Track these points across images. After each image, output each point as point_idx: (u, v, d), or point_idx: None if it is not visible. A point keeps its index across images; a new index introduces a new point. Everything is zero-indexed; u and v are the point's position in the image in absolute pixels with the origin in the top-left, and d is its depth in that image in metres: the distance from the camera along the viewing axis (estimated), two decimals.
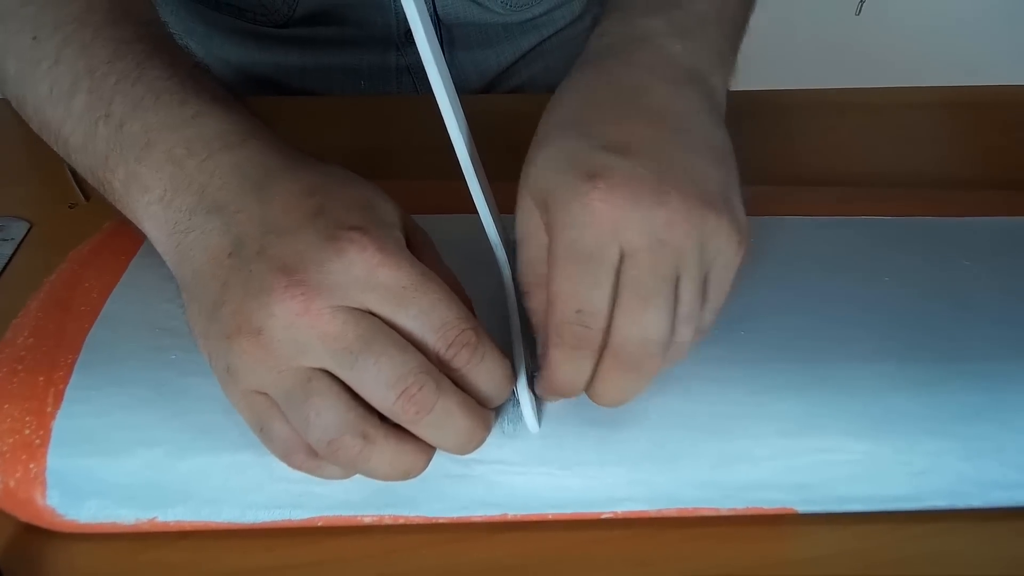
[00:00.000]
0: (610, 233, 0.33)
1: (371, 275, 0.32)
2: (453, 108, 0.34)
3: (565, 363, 0.34)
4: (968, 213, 0.49)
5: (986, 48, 1.66)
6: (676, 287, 0.34)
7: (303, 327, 0.31)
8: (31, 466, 0.35)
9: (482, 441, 0.34)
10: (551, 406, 0.37)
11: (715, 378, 0.39)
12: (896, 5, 1.61)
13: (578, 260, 0.33)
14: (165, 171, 0.36)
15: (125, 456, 0.35)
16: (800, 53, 1.49)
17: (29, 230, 0.50)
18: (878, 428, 0.38)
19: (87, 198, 0.51)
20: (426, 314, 0.33)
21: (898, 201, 0.49)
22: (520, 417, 0.37)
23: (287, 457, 0.33)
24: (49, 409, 0.36)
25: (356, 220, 0.33)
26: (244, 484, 0.36)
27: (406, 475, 0.33)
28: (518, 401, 0.37)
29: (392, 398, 0.32)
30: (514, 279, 0.38)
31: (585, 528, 0.37)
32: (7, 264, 0.48)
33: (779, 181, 0.54)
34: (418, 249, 0.35)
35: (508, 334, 0.38)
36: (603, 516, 0.37)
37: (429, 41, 0.32)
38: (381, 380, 0.31)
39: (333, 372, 0.32)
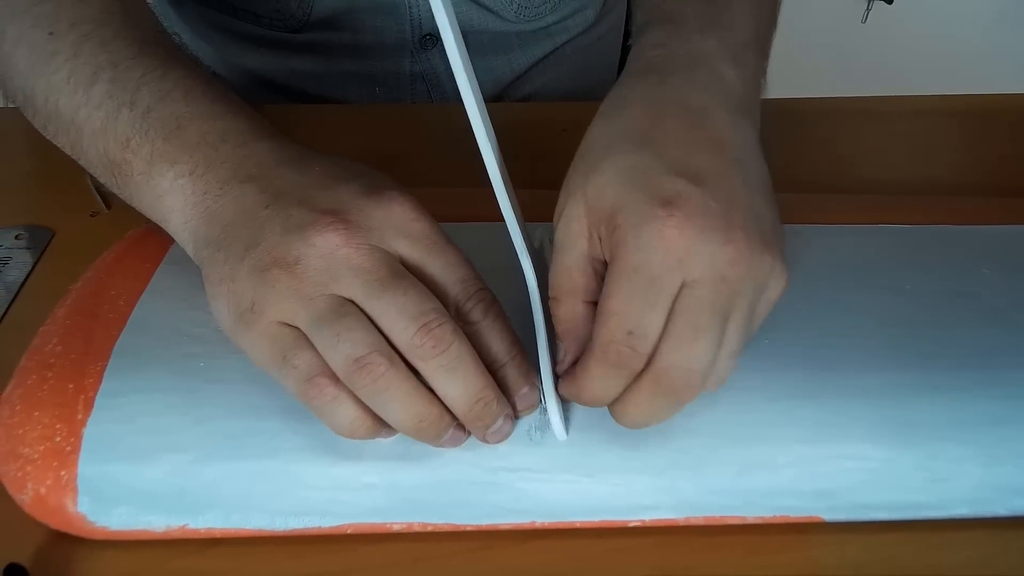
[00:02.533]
0: (677, 262, 0.33)
1: (407, 225, 0.36)
2: (480, 113, 0.34)
3: (602, 379, 0.34)
4: (985, 221, 0.49)
5: (992, 54, 1.67)
6: (726, 323, 0.34)
7: (339, 258, 0.34)
8: (62, 473, 0.35)
9: (490, 405, 0.35)
10: (576, 415, 0.38)
11: (736, 386, 0.39)
12: (902, 13, 1.62)
13: (640, 283, 0.33)
14: (198, 152, 0.38)
15: (154, 463, 0.36)
16: (806, 60, 1.50)
17: (52, 238, 0.51)
18: (898, 435, 0.38)
19: (108, 207, 0.52)
20: (452, 267, 0.36)
21: (915, 209, 0.50)
22: (547, 425, 0.37)
23: (308, 384, 0.34)
24: (79, 416, 0.36)
25: (391, 185, 0.37)
26: (272, 491, 0.36)
27: (418, 421, 0.34)
28: (545, 409, 0.37)
29: (413, 330, 0.34)
30: (541, 282, 0.38)
31: (612, 536, 0.37)
32: (30, 272, 0.48)
33: (795, 189, 0.55)
34: None
35: (533, 341, 0.38)
36: (630, 524, 0.37)
37: (457, 45, 0.32)
38: (406, 311, 0.34)
39: (360, 303, 0.34)
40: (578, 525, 0.37)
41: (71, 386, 0.37)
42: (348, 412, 0.34)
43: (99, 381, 0.37)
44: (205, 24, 0.70)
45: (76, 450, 0.36)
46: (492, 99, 0.73)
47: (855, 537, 0.38)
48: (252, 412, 0.37)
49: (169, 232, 0.39)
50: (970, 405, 0.39)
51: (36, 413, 0.36)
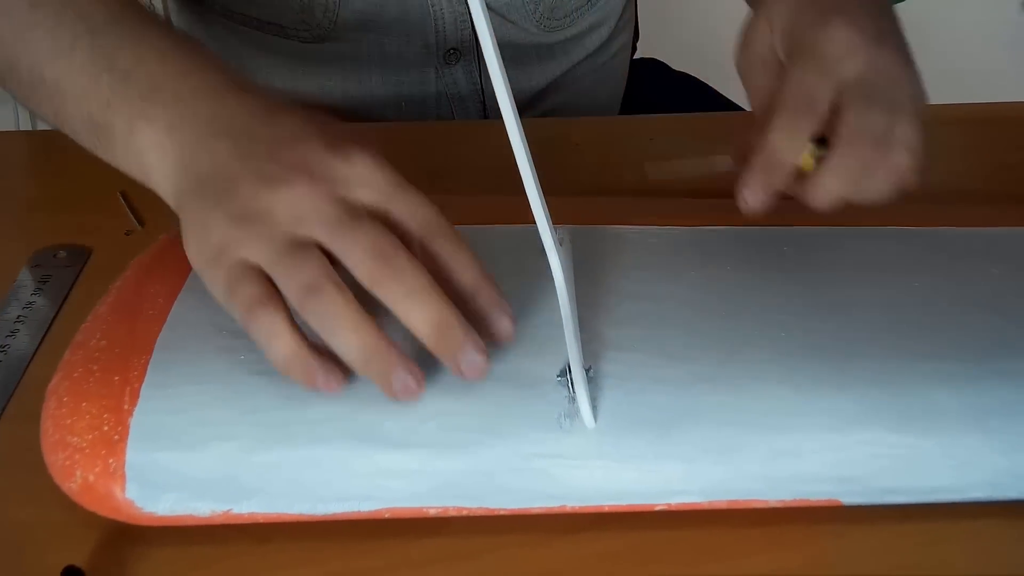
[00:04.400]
0: (845, 52, 0.43)
1: (370, 175, 0.38)
2: (513, 111, 0.36)
3: (785, 128, 0.42)
4: (988, 224, 0.51)
5: (990, 62, 1.70)
6: (896, 114, 0.42)
7: (306, 205, 0.37)
8: (110, 461, 0.36)
9: (453, 330, 0.36)
10: (605, 403, 0.39)
11: (763, 377, 0.40)
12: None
13: (815, 60, 0.43)
14: (173, 108, 0.40)
15: (200, 451, 0.37)
16: None
17: (89, 256, 0.52)
18: (920, 423, 0.39)
19: (142, 224, 0.54)
20: (414, 207, 0.39)
21: (921, 215, 0.51)
22: (577, 412, 0.38)
23: (246, 311, 0.36)
24: (126, 406, 0.37)
25: (353, 139, 0.39)
26: (315, 478, 0.37)
27: (364, 350, 0.36)
28: (574, 397, 0.38)
29: (371, 260, 0.36)
30: (566, 277, 0.40)
31: (641, 528, 0.39)
32: (71, 289, 0.50)
33: None
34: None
35: (560, 335, 0.39)
36: (657, 508, 0.38)
37: (494, 48, 0.34)
38: (364, 245, 0.36)
39: (324, 244, 0.37)
40: (607, 509, 0.38)
41: (117, 378, 0.38)
42: (281, 343, 0.36)
43: (143, 373, 0.38)
44: (235, 42, 0.72)
45: (124, 438, 0.37)
46: None
47: (873, 527, 0.39)
48: (295, 402, 0.38)
49: (151, 186, 0.41)
50: (988, 395, 0.40)
51: (84, 404, 0.37)
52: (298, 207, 0.37)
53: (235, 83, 0.42)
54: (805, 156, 0.42)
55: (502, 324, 0.38)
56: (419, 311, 0.36)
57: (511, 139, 0.36)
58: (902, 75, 0.44)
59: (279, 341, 0.36)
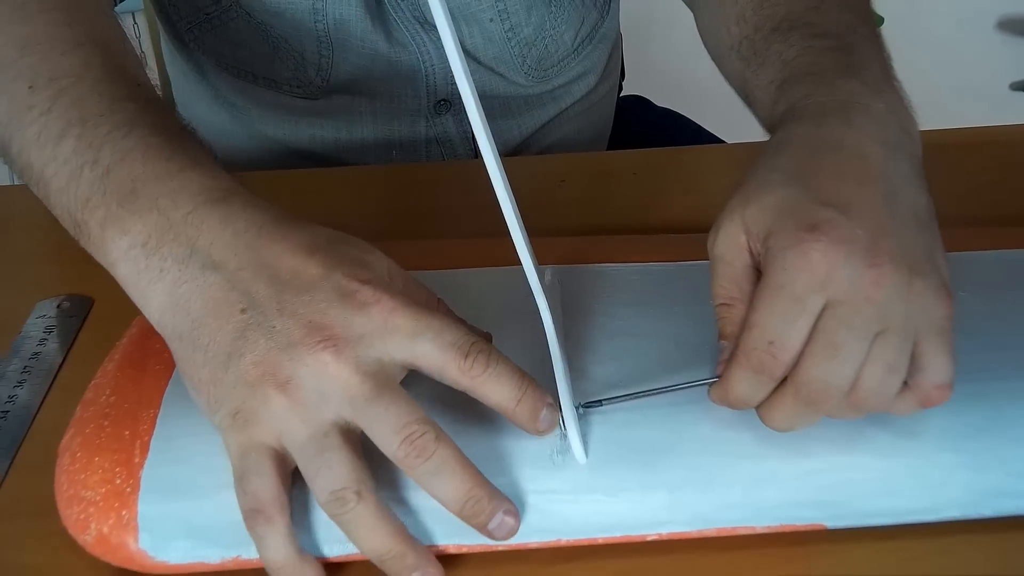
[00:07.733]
0: (819, 284, 0.36)
1: (389, 321, 0.37)
2: (497, 163, 0.37)
3: (744, 382, 0.38)
4: (957, 248, 0.52)
5: (958, 87, 1.73)
6: (874, 343, 0.37)
7: (330, 377, 0.36)
8: (123, 513, 0.38)
9: (481, 502, 0.37)
10: (595, 438, 0.41)
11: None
12: None
13: (784, 300, 0.37)
14: (149, 219, 0.38)
15: (209, 499, 0.38)
16: None
17: (92, 305, 0.54)
18: (893, 446, 0.41)
19: None
20: (440, 335, 0.38)
21: None
22: (568, 448, 0.40)
23: (247, 512, 0.36)
24: (137, 460, 0.39)
25: (361, 275, 0.38)
26: (317, 520, 0.38)
27: (382, 552, 0.37)
28: (566, 434, 0.40)
29: (397, 442, 0.36)
30: (554, 316, 0.41)
31: (633, 555, 0.40)
32: (75, 337, 0.52)
33: None
34: (408, 286, 0.40)
35: (549, 374, 0.41)
36: (648, 538, 0.40)
37: (475, 100, 0.36)
38: (389, 425, 0.36)
39: (348, 419, 0.37)
40: (600, 541, 0.40)
41: (127, 432, 0.40)
42: (273, 553, 0.37)
43: (152, 427, 0.40)
44: (229, 91, 0.73)
45: (135, 491, 0.38)
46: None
47: (857, 546, 0.41)
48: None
49: (128, 294, 0.40)
50: (957, 417, 0.42)
51: (96, 459, 0.39)
52: (322, 381, 0.36)
53: (219, 189, 0.39)
54: None
55: (548, 420, 0.39)
56: (446, 489, 0.37)
57: (498, 197, 0.38)
58: (896, 294, 0.37)
59: (271, 551, 0.37)
